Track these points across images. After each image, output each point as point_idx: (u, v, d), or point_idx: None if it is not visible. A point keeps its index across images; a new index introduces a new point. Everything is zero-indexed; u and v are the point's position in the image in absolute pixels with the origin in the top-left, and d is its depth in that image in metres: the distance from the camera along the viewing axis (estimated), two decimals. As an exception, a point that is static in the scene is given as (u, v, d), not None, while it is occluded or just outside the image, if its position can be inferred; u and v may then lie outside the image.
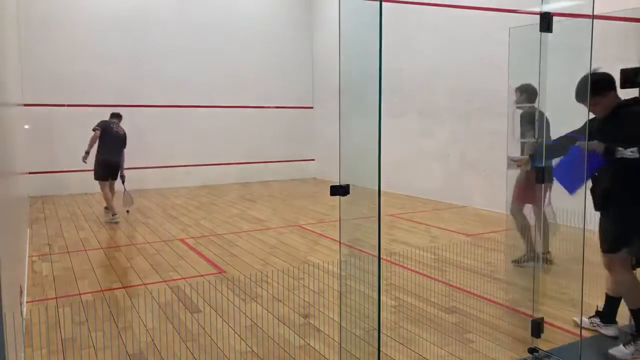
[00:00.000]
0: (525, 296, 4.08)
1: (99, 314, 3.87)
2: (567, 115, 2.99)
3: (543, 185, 4.76)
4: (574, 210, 2.93)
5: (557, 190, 2.94)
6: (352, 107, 2.52)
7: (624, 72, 2.99)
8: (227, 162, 12.10)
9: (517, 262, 4.97)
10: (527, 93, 4.94)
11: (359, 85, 2.46)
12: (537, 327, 3.01)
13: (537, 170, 2.85)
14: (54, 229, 7.01)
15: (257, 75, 12.27)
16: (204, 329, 3.57)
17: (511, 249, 5.14)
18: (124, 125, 8.26)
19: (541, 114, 5.07)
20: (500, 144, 8.06)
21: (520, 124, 4.95)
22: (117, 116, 8.13)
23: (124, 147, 7.87)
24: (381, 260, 2.34)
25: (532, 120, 4.67)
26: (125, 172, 7.88)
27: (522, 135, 4.86)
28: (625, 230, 3.06)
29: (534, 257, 4.49)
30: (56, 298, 4.27)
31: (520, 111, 4.88)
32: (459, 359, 3.09)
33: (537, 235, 4.61)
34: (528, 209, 4.82)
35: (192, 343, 3.35)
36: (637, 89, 3.05)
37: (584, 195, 2.86)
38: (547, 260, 4.67)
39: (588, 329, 3.37)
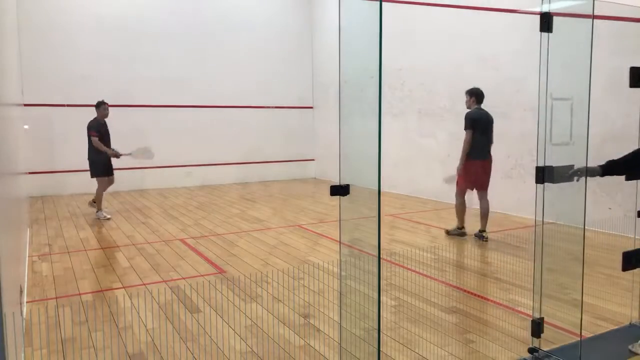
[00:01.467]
0: (526, 296, 4.08)
1: (99, 314, 3.87)
2: (567, 116, 2.98)
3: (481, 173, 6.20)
4: (574, 210, 2.92)
5: (554, 189, 2.94)
6: (352, 107, 2.52)
7: (634, 71, 2.90)
8: (227, 162, 12.10)
9: (448, 232, 6.46)
10: (477, 96, 6.36)
11: (359, 85, 2.46)
12: (537, 327, 3.00)
13: (536, 170, 2.84)
14: (54, 229, 7.01)
15: (257, 75, 12.26)
16: (204, 329, 3.57)
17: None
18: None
19: (489, 115, 6.29)
20: (500, 144, 8.06)
21: (473, 125, 6.22)
22: (96, 106, 8.01)
23: (89, 139, 7.78)
24: (381, 260, 2.34)
25: (482, 121, 6.26)
26: (118, 151, 7.81)
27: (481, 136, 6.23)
28: None
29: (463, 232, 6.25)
30: (56, 298, 4.27)
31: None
32: (459, 359, 3.09)
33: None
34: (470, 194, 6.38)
35: (192, 343, 3.35)
36: None
37: (584, 195, 2.85)
38: (484, 238, 6.07)
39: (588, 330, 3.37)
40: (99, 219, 7.68)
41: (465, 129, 6.18)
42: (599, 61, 2.93)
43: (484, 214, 6.14)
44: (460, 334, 3.44)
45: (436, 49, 9.14)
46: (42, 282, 4.68)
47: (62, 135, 10.21)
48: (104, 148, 7.70)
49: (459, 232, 6.34)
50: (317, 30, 12.85)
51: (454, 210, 6.48)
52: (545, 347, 3.01)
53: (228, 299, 4.17)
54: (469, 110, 6.26)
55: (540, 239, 2.91)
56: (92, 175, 7.85)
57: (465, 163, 6.12)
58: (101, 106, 7.92)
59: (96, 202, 7.84)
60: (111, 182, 7.99)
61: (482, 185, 6.21)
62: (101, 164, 7.78)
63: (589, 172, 2.93)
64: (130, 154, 7.94)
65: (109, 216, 7.77)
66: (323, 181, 12.49)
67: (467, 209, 6.37)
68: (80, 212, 8.28)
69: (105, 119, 7.98)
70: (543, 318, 3.00)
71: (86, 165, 7.83)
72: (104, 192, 7.87)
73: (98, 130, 7.74)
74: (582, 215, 2.82)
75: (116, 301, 4.17)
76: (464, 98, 9.14)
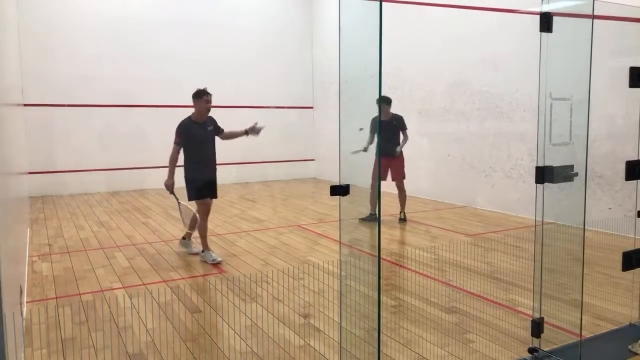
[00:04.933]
0: (526, 296, 4.08)
1: (99, 314, 3.87)
2: (567, 116, 2.99)
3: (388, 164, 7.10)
4: (574, 210, 2.93)
5: (554, 189, 2.94)
6: (352, 107, 2.52)
7: (634, 71, 2.89)
8: (227, 162, 12.09)
9: (362, 219, 6.54)
10: (389, 103, 7.25)
11: (359, 85, 2.46)
12: (537, 327, 3.00)
13: (536, 170, 2.84)
14: (54, 229, 7.01)
15: (257, 75, 12.26)
16: (204, 329, 3.57)
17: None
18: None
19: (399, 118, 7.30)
20: (500, 144, 8.07)
21: (391, 129, 7.11)
22: (193, 97, 5.61)
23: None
24: (381, 260, 2.34)
25: (402, 126, 7.23)
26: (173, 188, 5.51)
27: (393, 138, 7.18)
28: None
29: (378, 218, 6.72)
30: (56, 298, 4.27)
31: None
32: (459, 359, 3.09)
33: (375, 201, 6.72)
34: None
35: (192, 343, 3.35)
36: None
37: (584, 195, 2.85)
38: (404, 220, 7.25)
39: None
40: (205, 261, 5.32)
41: (406, 128, 7.31)
42: (599, 61, 2.93)
43: (401, 198, 7.37)
44: (460, 334, 3.44)
45: (436, 49, 9.14)
46: (42, 282, 4.68)
47: (62, 135, 10.22)
48: (170, 168, 5.34)
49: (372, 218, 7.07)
50: (317, 30, 12.85)
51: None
52: (545, 347, 3.01)
53: (228, 299, 4.17)
54: (395, 114, 7.26)
55: (540, 239, 2.91)
56: (188, 197, 5.44)
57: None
58: (202, 97, 5.42)
59: (200, 236, 5.44)
60: (205, 207, 5.43)
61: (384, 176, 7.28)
62: (193, 180, 5.38)
63: None
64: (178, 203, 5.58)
65: (219, 259, 5.31)
66: (323, 181, 12.48)
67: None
68: (80, 212, 8.28)
69: (205, 118, 5.48)
70: (543, 318, 3.00)
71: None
72: (205, 224, 5.42)
73: (184, 135, 5.30)
74: (582, 215, 2.82)
75: (116, 301, 4.17)
76: (463, 98, 9.15)
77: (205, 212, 5.39)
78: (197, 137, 5.34)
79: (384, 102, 7.12)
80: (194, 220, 5.43)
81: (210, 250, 5.40)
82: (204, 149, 5.41)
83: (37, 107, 10.00)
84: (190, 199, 5.40)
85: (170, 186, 5.36)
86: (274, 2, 12.64)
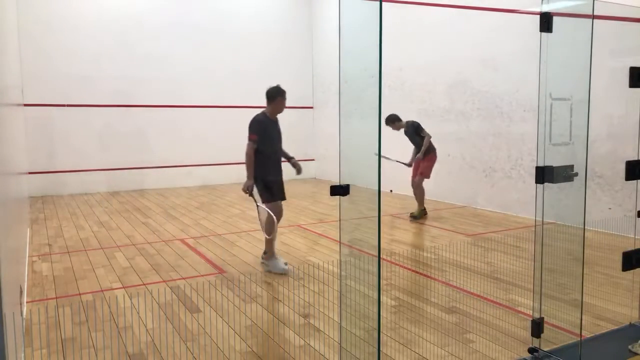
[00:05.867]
0: (526, 296, 4.08)
1: (99, 314, 3.87)
2: (567, 116, 2.98)
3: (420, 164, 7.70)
4: (574, 210, 2.93)
5: (554, 189, 2.94)
6: (352, 107, 2.52)
7: (634, 71, 2.88)
8: (227, 162, 12.10)
9: (415, 218, 7.60)
10: (393, 121, 7.56)
11: (359, 85, 2.46)
12: (537, 327, 3.00)
13: (536, 170, 2.84)
14: (54, 229, 7.01)
15: (257, 75, 12.24)
16: (204, 329, 3.57)
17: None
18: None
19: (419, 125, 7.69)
20: (500, 144, 8.07)
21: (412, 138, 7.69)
22: (268, 95, 5.40)
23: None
24: (381, 260, 2.34)
25: (416, 132, 7.59)
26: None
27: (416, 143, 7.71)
28: None
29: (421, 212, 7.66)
30: (56, 298, 4.27)
31: None
32: (459, 359, 3.09)
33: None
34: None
35: (192, 343, 3.35)
36: None
37: (584, 195, 2.85)
38: (417, 217, 7.55)
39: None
40: (269, 271, 4.90)
41: (424, 134, 7.61)
42: (599, 61, 2.93)
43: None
44: (460, 334, 3.44)
45: (436, 48, 9.14)
46: (42, 282, 4.68)
47: (62, 135, 10.21)
48: (250, 168, 5.08)
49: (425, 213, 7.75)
50: (317, 30, 12.85)
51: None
52: (545, 347, 3.01)
53: (228, 299, 4.17)
54: (408, 122, 7.66)
55: (540, 239, 2.91)
56: (262, 199, 5.02)
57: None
58: (284, 95, 5.32)
59: (266, 246, 5.02)
60: (278, 208, 4.95)
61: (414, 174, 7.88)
62: (267, 181, 5.06)
63: None
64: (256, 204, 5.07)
65: (287, 267, 4.88)
66: (323, 181, 12.48)
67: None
68: (80, 212, 8.28)
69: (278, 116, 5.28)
70: (543, 318, 3.00)
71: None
72: (272, 229, 4.87)
73: (261, 132, 5.04)
74: (582, 215, 2.82)
75: (116, 301, 4.17)
76: (463, 98, 9.15)
77: (279, 214, 4.93)
78: (273, 136, 5.09)
79: (389, 122, 7.48)
80: (271, 224, 4.83)
81: (274, 256, 4.92)
82: (277, 149, 5.16)
83: (37, 107, 9.99)
84: (264, 200, 4.97)
85: (250, 187, 4.98)
86: (274, 3, 12.64)
